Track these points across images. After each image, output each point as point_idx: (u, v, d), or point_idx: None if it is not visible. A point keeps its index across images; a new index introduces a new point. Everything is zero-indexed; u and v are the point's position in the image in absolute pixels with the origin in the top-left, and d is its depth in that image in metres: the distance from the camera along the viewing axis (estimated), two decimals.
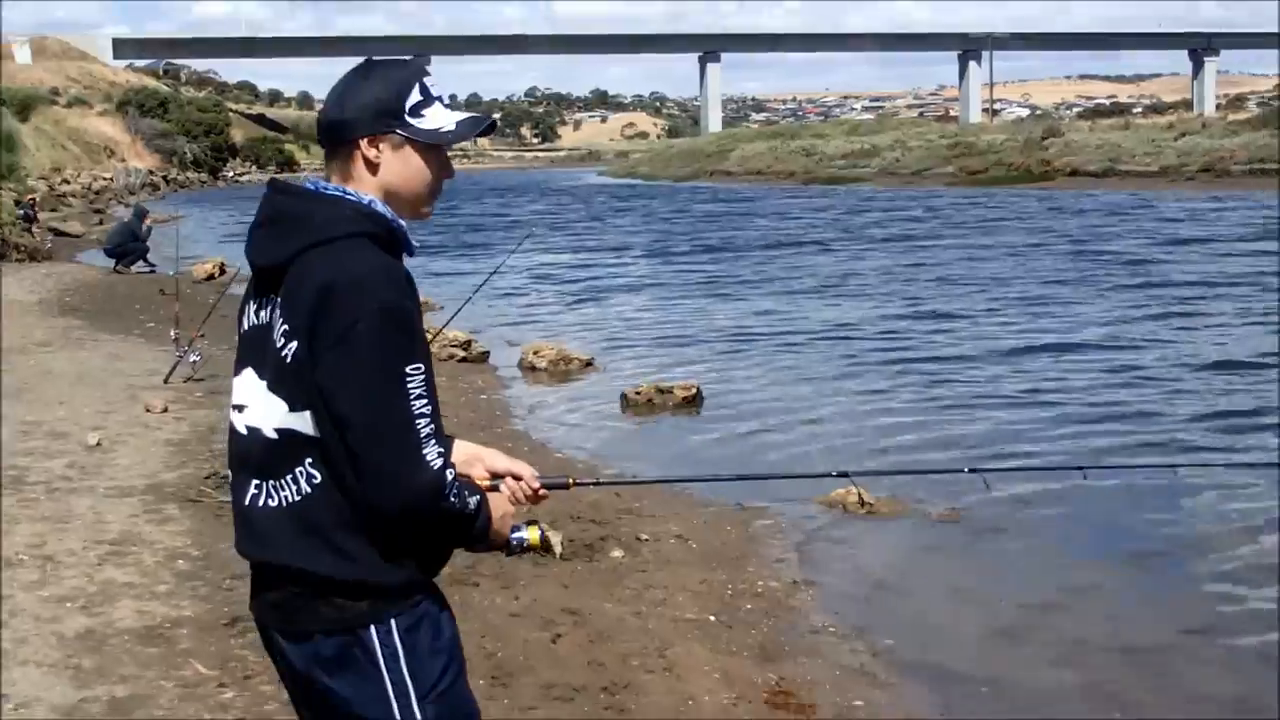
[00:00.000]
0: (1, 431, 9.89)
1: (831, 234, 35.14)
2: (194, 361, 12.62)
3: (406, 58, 2.94)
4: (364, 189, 2.80)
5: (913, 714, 5.82)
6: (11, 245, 25.72)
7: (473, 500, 2.79)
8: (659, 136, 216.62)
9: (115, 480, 8.75)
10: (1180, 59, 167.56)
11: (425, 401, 2.69)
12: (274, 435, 2.77)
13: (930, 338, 16.73)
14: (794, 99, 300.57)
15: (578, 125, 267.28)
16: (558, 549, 7.63)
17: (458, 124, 2.85)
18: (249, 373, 2.86)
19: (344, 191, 2.80)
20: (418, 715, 2.78)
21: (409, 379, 2.66)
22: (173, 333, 13.14)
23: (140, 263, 25.16)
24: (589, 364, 14.92)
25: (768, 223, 40.86)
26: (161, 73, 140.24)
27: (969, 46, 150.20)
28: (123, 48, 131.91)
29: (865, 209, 46.52)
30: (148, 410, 11.02)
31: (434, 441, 2.69)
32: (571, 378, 14.41)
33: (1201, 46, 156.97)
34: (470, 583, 6.95)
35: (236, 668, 5.69)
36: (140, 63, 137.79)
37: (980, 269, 24.92)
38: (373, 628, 2.75)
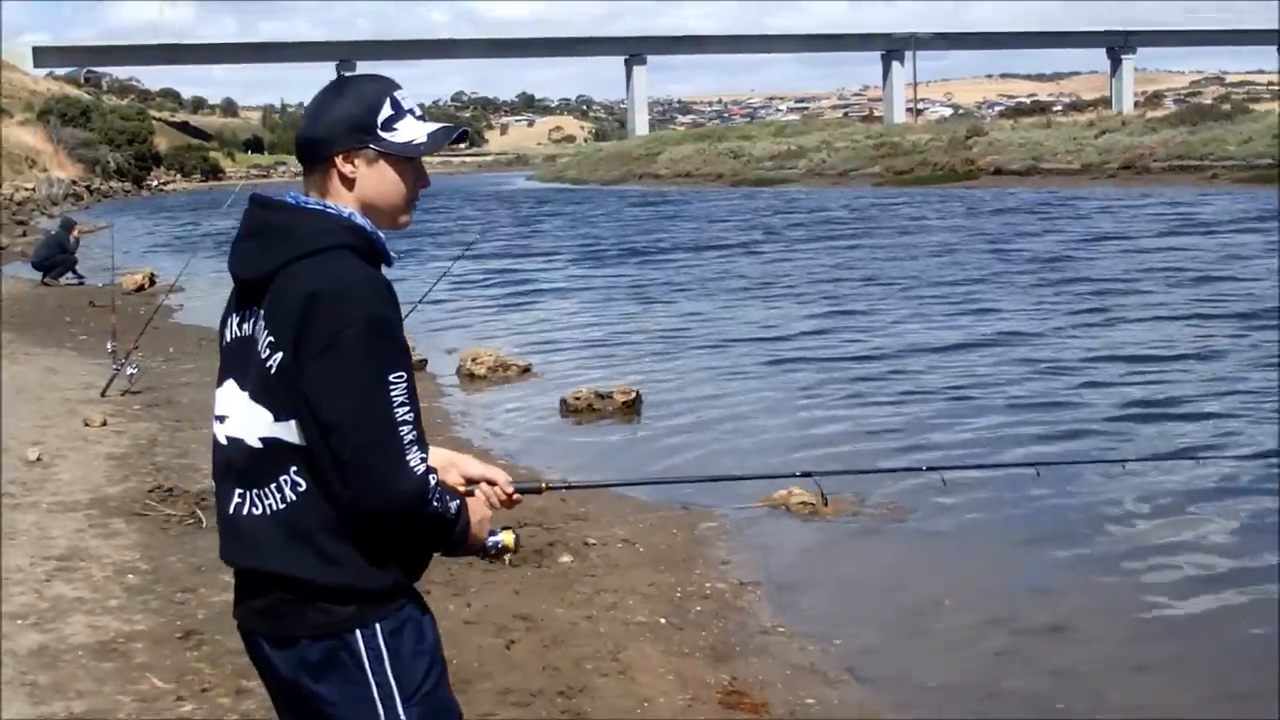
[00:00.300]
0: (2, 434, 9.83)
1: (759, 235, 35.31)
2: (131, 374, 12.53)
3: (378, 74, 3.01)
4: (342, 202, 2.87)
5: (865, 712, 5.92)
6: None
7: (454, 504, 2.87)
8: (586, 140, 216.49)
9: (58, 495, 8.71)
10: (1099, 57, 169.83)
11: (408, 409, 2.76)
12: (258, 444, 2.84)
13: (860, 336, 16.87)
14: (720, 101, 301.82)
15: (504, 129, 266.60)
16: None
17: (429, 135, 2.92)
18: (231, 384, 2.93)
19: (324, 205, 2.87)
20: (402, 717, 2.84)
21: (393, 386, 2.73)
22: (109, 345, 13.03)
23: (69, 274, 24.92)
24: (527, 370, 14.96)
25: (695, 225, 40.99)
26: (83, 80, 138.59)
27: (892, 46, 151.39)
28: (43, 55, 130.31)
29: (792, 210, 46.75)
30: (86, 424, 10.95)
31: (417, 447, 2.77)
32: (511, 384, 14.45)
33: (1119, 44, 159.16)
34: (421, 590, 6.99)
35: (193, 680, 5.71)
36: (61, 71, 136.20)
37: (905, 268, 25.16)
38: (358, 631, 2.82)
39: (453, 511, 2.87)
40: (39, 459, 9.60)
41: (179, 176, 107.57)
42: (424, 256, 30.51)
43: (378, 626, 2.84)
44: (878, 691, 6.17)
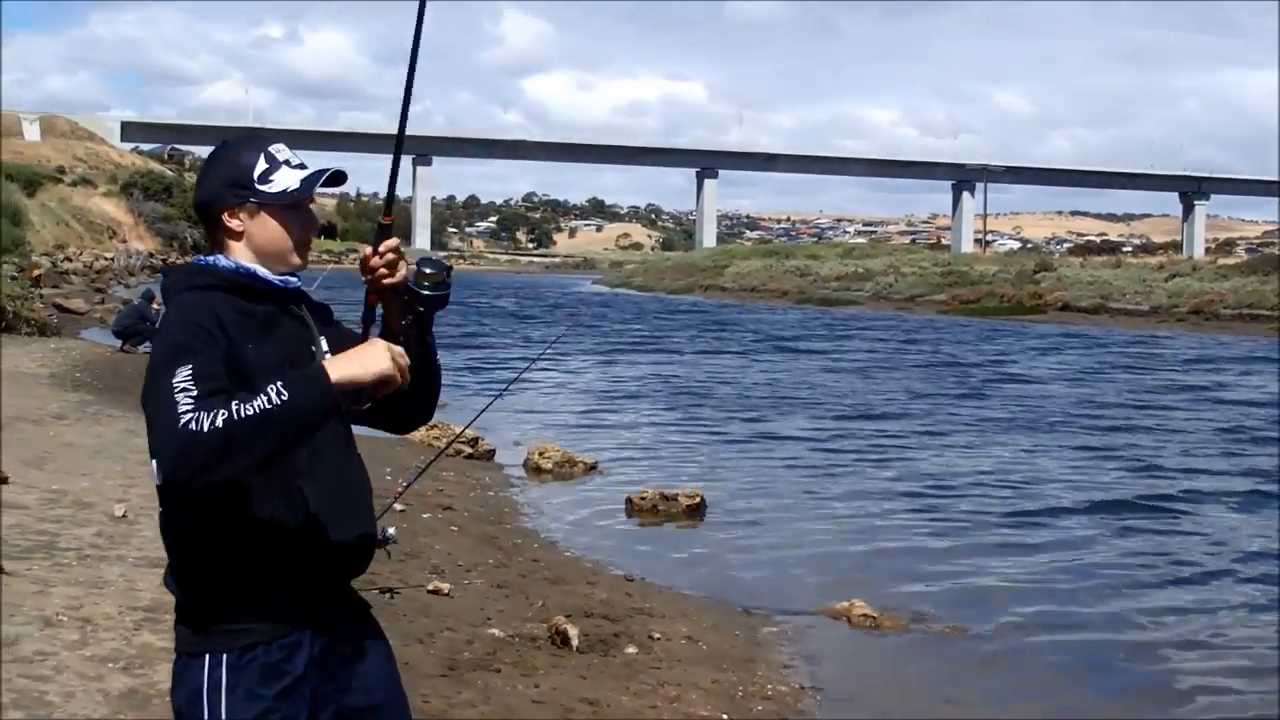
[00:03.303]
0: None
1: (828, 352, 35.52)
2: None
3: (253, 134, 3.26)
4: (234, 255, 3.05)
5: None
6: (21, 319, 25.95)
7: (262, 398, 2.65)
8: (653, 248, 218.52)
9: (143, 551, 8.97)
10: (1170, 200, 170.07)
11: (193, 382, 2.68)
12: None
13: (920, 455, 17.00)
14: (788, 219, 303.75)
15: (573, 232, 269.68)
16: (575, 642, 7.90)
17: (302, 181, 3.06)
18: None
19: (198, 260, 3.09)
20: None
21: (177, 373, 2.69)
22: None
23: (146, 343, 25.47)
24: (593, 467, 15.19)
25: (755, 338, 41.30)
26: (167, 157, 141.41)
27: (963, 177, 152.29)
28: (130, 130, 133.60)
29: (858, 332, 46.99)
30: None
31: (193, 402, 2.63)
32: (576, 479, 14.67)
33: (1192, 190, 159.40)
34: (491, 668, 7.22)
35: None
36: (146, 146, 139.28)
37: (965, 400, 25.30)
38: (206, 657, 2.91)
39: (258, 407, 2.63)
40: (124, 515, 9.89)
41: None
42: (494, 347, 30.78)
43: (224, 658, 2.90)
44: None
